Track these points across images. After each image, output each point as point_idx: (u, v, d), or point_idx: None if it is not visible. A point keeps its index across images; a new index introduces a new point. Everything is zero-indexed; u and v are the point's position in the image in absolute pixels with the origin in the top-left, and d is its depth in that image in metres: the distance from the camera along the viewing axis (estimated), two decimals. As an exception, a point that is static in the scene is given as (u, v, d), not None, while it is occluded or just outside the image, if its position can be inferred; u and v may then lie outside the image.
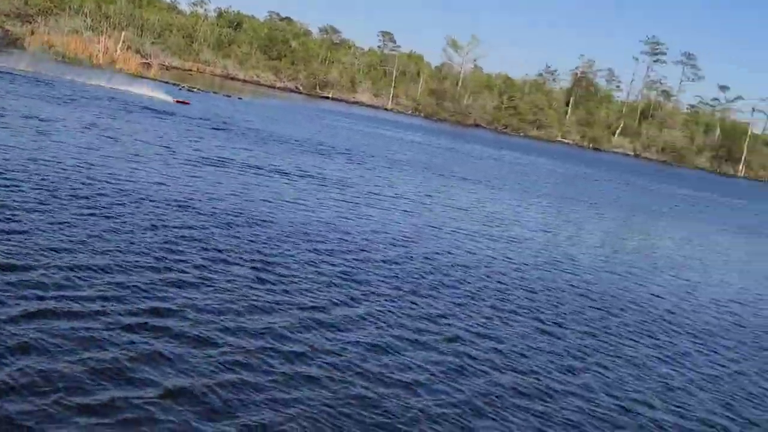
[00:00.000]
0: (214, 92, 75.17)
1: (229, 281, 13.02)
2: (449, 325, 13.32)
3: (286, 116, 55.67)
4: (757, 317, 19.66)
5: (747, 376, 14.07)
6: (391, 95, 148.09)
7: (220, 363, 9.60)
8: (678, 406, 11.57)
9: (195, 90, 69.87)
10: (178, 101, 51.63)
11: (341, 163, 36.06)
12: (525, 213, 32.44)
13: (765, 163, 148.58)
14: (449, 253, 19.71)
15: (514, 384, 11.08)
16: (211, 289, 12.42)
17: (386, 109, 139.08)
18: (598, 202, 44.06)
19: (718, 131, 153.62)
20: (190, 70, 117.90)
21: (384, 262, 17.03)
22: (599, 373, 12.42)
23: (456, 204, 30.19)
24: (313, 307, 12.56)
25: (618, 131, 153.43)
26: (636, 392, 11.81)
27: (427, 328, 12.82)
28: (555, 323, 14.90)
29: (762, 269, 30.31)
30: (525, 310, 15.37)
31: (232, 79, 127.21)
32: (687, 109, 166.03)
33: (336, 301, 13.26)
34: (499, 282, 17.50)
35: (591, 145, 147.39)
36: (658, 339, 15.33)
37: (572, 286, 18.85)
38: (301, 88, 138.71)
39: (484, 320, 14.04)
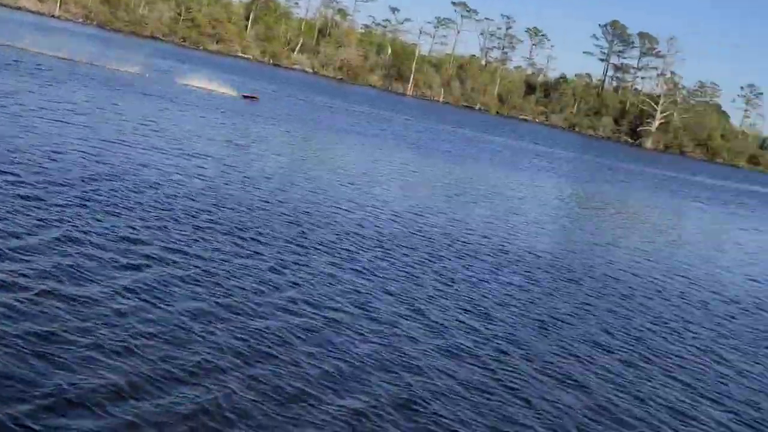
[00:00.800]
0: None
1: None
2: (147, 243, 13.01)
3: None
4: (430, 226, 21.37)
5: (421, 268, 15.35)
6: (59, 2, 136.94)
7: None
8: (369, 304, 12.40)
9: None
10: (245, 96, 49.99)
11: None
12: (208, 129, 32.11)
13: (430, 83, 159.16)
14: (138, 170, 19.07)
15: (218, 301, 11.18)
16: None
17: (54, 17, 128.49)
18: (281, 118, 44.71)
19: (389, 51, 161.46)
20: None
21: (69, 181, 16.07)
22: (299, 286, 12.91)
23: (137, 120, 29.02)
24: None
25: (297, 48, 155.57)
26: (330, 301, 12.47)
27: (126, 248, 12.43)
28: (253, 240, 15.15)
29: (433, 181, 32.84)
30: (222, 228, 15.42)
31: None
32: (361, 28, 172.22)
33: (21, 224, 12.34)
34: (192, 200, 17.33)
35: (271, 61, 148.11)
36: (347, 250, 16.18)
37: (265, 201, 19.17)
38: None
39: (183, 238, 13.90)
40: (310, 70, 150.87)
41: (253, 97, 51.28)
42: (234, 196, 18.88)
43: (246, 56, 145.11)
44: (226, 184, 20.28)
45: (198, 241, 14.09)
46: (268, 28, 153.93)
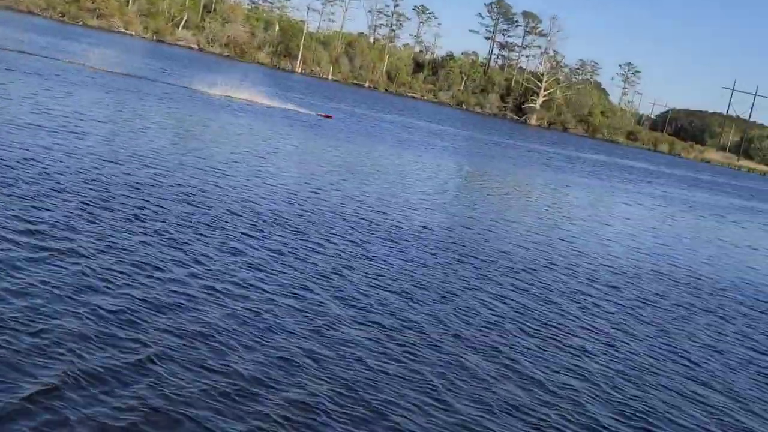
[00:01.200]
0: None
1: None
2: (67, 239, 12.71)
3: None
4: (327, 204, 21.51)
5: (320, 246, 15.53)
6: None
7: None
8: (268, 277, 12.50)
9: None
10: (320, 115, 52.21)
11: None
12: (94, 108, 31.18)
13: (319, 60, 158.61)
14: (24, 152, 18.46)
15: (131, 292, 11.05)
16: None
17: None
18: (175, 96, 43.71)
19: (277, 28, 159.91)
20: None
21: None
22: (205, 272, 12.90)
23: (19, 100, 27.95)
24: None
25: (181, 24, 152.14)
26: (237, 281, 12.51)
27: (26, 238, 12.10)
28: (155, 220, 15.02)
29: (326, 159, 32.89)
30: (120, 209, 15.18)
31: None
32: (248, 4, 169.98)
33: None
34: (84, 182, 16.98)
35: (155, 37, 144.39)
36: (247, 231, 16.19)
37: (159, 183, 18.91)
38: None
39: (82, 225, 13.62)
40: (196, 47, 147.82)
41: (328, 116, 54.70)
42: (122, 172, 18.55)
43: (128, 32, 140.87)
44: (110, 160, 19.86)
45: (102, 228, 13.84)
46: (150, 2, 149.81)
